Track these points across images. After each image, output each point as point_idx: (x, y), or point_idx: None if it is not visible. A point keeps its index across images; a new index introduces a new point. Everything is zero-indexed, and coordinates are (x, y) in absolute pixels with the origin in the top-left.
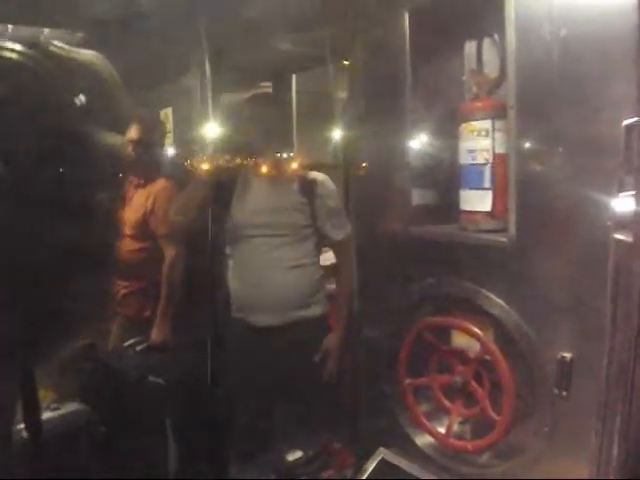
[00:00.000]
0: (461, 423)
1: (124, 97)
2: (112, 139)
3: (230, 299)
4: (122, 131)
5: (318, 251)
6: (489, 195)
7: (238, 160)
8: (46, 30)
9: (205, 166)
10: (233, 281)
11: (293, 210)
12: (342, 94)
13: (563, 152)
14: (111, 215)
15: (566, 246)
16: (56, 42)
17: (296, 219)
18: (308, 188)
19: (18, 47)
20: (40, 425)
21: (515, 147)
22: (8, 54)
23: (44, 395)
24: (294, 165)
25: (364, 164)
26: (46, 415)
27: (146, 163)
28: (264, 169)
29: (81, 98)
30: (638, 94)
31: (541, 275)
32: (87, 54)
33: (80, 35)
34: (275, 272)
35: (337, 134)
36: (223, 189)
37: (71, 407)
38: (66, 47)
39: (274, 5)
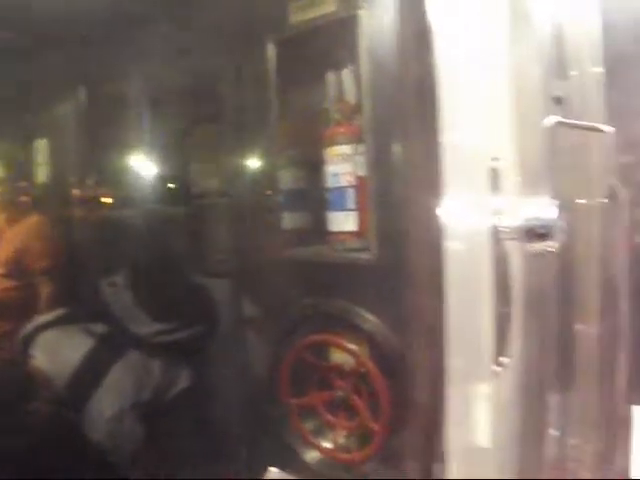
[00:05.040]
0: (348, 436)
1: None
2: None
3: None
4: None
5: None
6: (354, 215)
7: None
8: None
9: None
10: None
11: None
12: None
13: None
14: None
15: (420, 260)
16: None
17: None
18: None
19: None
20: None
21: (373, 169)
22: None
23: None
24: None
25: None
26: None
27: (15, 198)
28: None
29: None
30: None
31: (403, 289)
32: None
33: None
34: None
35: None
36: None
37: None
38: None
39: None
